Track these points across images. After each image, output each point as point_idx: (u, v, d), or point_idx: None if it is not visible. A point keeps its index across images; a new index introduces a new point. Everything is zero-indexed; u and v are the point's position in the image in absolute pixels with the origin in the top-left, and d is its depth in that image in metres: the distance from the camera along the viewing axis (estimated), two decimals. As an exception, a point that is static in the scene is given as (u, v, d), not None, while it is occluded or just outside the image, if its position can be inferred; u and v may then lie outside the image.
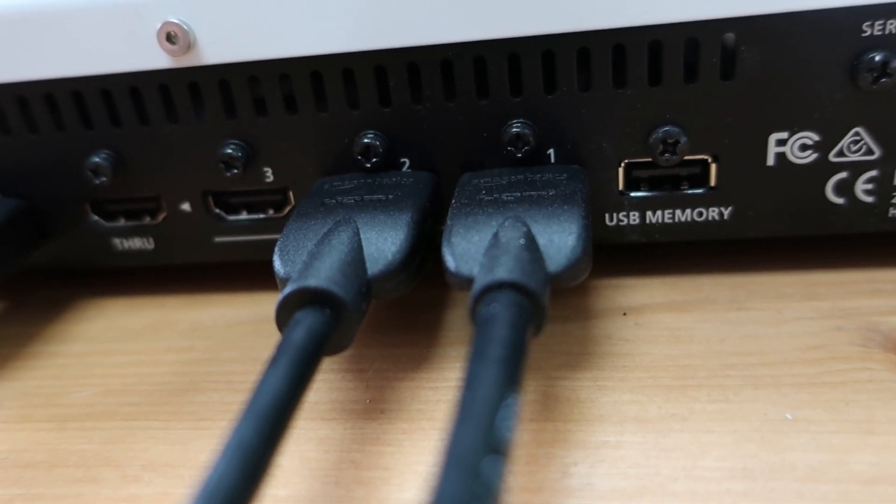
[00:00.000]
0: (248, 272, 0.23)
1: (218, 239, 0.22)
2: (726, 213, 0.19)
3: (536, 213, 0.16)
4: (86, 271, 0.24)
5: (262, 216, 0.21)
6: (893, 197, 0.19)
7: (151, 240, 0.22)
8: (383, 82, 0.19)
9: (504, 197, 0.17)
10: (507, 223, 0.16)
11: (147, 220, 0.22)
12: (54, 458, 0.17)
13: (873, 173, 0.18)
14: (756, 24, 0.17)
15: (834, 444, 0.14)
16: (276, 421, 0.12)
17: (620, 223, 0.20)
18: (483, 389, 0.11)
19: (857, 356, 0.17)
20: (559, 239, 0.16)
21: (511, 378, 0.12)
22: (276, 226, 0.21)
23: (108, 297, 0.24)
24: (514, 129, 0.19)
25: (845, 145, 0.18)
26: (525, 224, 0.16)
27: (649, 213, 0.20)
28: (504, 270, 0.14)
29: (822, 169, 0.18)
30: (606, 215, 0.20)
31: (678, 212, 0.19)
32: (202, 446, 0.17)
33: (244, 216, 0.21)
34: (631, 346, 0.18)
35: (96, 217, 0.22)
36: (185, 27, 0.18)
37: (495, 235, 0.16)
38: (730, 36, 0.17)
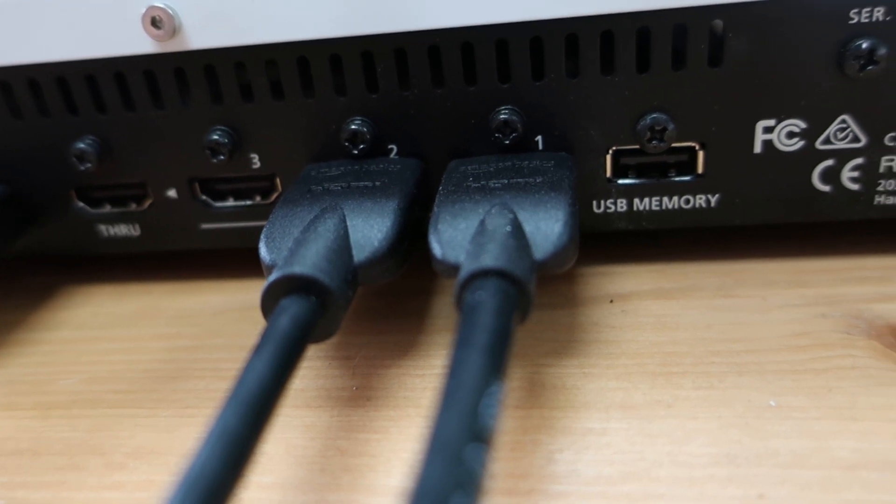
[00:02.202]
0: (235, 259, 0.23)
1: (204, 226, 0.21)
2: (713, 200, 0.19)
3: (523, 200, 0.16)
4: (72, 258, 0.24)
5: (248, 203, 0.21)
6: (879, 184, 0.19)
7: (137, 226, 0.22)
8: (370, 68, 0.19)
9: (491, 184, 0.17)
10: (493, 210, 0.16)
11: (133, 206, 0.22)
12: (39, 446, 0.17)
13: (859, 161, 0.18)
14: (744, 10, 0.17)
15: (817, 431, 0.15)
16: (259, 408, 0.12)
17: (608, 210, 0.20)
18: (467, 377, 0.11)
19: (841, 343, 0.17)
20: (546, 226, 0.16)
21: (495, 366, 0.12)
22: (263, 212, 0.21)
23: (95, 283, 0.24)
24: (502, 116, 0.19)
25: (832, 133, 0.18)
26: (512, 211, 0.16)
27: (637, 201, 0.20)
28: (490, 258, 0.14)
29: (809, 156, 0.18)
30: (594, 202, 0.20)
31: (665, 199, 0.19)
32: (188, 434, 0.17)
33: (231, 203, 0.21)
34: (617, 333, 0.18)
35: (81, 203, 0.22)
36: (171, 12, 0.18)
37: (482, 223, 0.16)
38: (718, 23, 0.17)
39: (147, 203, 0.21)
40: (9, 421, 0.18)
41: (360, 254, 0.16)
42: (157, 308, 0.22)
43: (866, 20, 0.17)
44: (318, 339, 0.15)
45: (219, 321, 0.21)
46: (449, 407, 0.11)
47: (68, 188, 0.21)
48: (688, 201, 0.19)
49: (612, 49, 0.18)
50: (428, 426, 0.11)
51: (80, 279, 0.24)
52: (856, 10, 0.17)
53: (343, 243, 0.16)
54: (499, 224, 0.15)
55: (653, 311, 0.19)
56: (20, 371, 0.20)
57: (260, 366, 0.13)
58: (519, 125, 0.19)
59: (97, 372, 0.19)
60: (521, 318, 0.14)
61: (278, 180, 0.21)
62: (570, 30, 0.18)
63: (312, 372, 0.18)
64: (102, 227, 0.22)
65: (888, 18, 0.17)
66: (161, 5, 0.18)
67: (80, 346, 0.21)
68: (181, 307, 0.22)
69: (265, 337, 0.13)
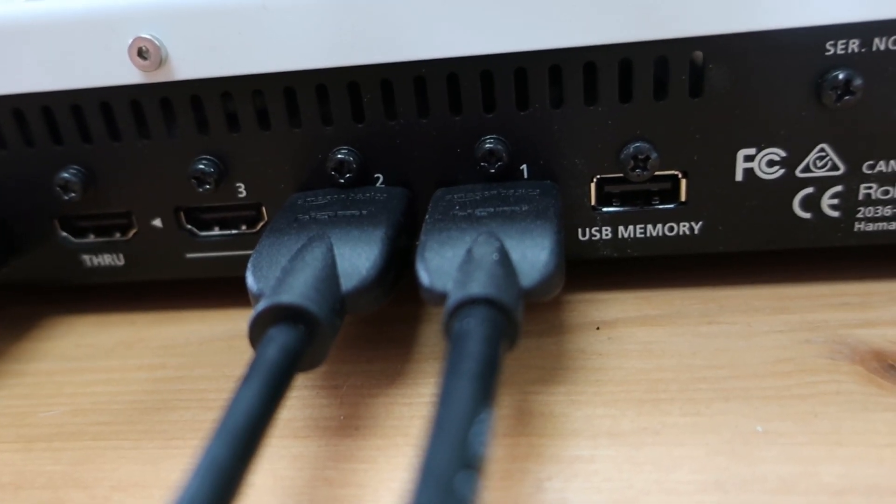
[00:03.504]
0: (221, 288, 0.23)
1: (190, 255, 0.21)
2: (696, 227, 0.20)
3: (510, 228, 0.16)
4: (55, 288, 0.24)
5: (234, 232, 0.21)
6: (858, 212, 0.19)
7: (121, 256, 0.22)
8: (357, 98, 0.19)
9: (477, 212, 0.17)
10: (480, 239, 0.16)
11: (117, 236, 0.21)
12: (20, 480, 0.16)
13: (838, 188, 0.19)
14: (723, 42, 0.17)
15: (804, 456, 0.15)
16: (248, 439, 0.12)
17: (593, 238, 0.20)
18: (457, 405, 0.11)
19: (826, 369, 0.17)
20: (532, 254, 0.16)
21: (485, 393, 0.12)
22: (249, 242, 0.21)
23: (78, 314, 0.23)
24: (488, 145, 0.19)
25: (811, 161, 0.18)
26: (498, 239, 0.16)
27: (621, 228, 0.20)
28: (478, 286, 0.14)
29: (789, 184, 0.19)
30: (579, 230, 0.20)
31: (649, 227, 0.20)
32: (173, 466, 0.16)
33: (216, 232, 0.21)
34: (604, 361, 0.18)
35: (65, 233, 0.22)
36: (157, 42, 0.18)
37: (469, 251, 0.16)
38: (698, 54, 0.18)
39: (132, 233, 0.21)
40: (-11, 454, 0.17)
41: (347, 282, 0.16)
42: (141, 338, 0.22)
43: (842, 51, 0.17)
44: (305, 368, 0.15)
45: (204, 351, 0.21)
46: (439, 435, 0.11)
47: (52, 218, 0.21)
48: (671, 229, 0.20)
49: (595, 80, 0.18)
50: (418, 454, 0.11)
51: (63, 309, 0.24)
52: (832, 42, 0.17)
53: (331, 272, 0.16)
54: (486, 252, 0.16)
55: (639, 338, 0.19)
56: (2, 403, 0.19)
57: (248, 396, 0.13)
58: (504, 154, 0.19)
59: (80, 404, 0.19)
60: (510, 345, 0.14)
61: (264, 209, 0.21)
62: (553, 61, 0.18)
63: (300, 401, 0.18)
64: (86, 257, 0.22)
65: (863, 50, 0.17)
66: (148, 36, 0.18)
67: (62, 377, 0.20)
68: (165, 337, 0.22)
69: (253, 367, 0.13)
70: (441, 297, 0.15)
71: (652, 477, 0.15)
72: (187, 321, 0.22)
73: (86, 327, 0.23)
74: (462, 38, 0.18)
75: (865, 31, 0.17)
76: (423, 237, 0.17)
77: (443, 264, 0.16)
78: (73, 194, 0.20)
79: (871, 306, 0.19)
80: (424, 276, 0.16)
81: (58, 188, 0.20)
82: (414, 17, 0.17)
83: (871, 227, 0.19)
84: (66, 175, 0.20)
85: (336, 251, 0.17)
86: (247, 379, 0.13)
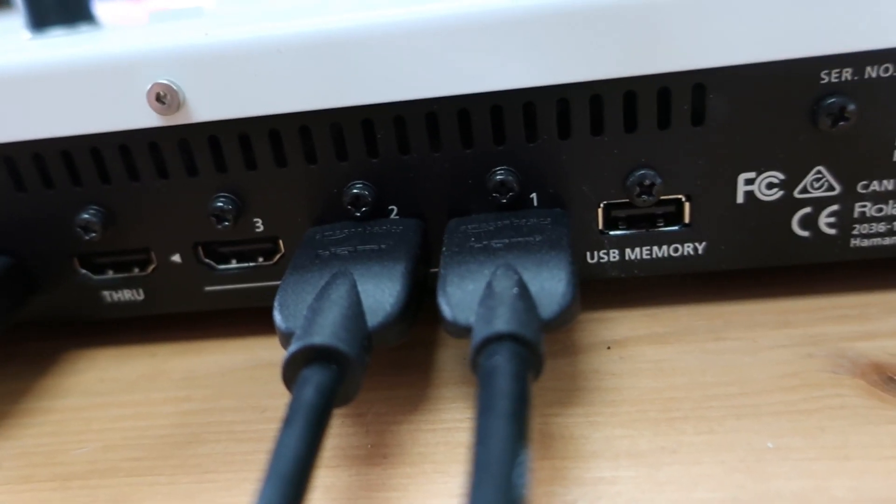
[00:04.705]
0: (240, 318, 0.23)
1: (208, 288, 0.22)
2: (700, 248, 0.20)
3: (526, 259, 0.17)
4: (73, 323, 0.24)
5: (252, 264, 0.22)
6: (854, 229, 0.20)
7: (141, 291, 0.22)
8: (371, 135, 0.19)
9: (493, 244, 0.18)
10: (499, 272, 0.17)
11: (136, 271, 0.22)
12: (61, 519, 0.17)
13: (835, 208, 0.20)
14: (723, 73, 0.18)
15: (814, 471, 0.15)
16: (297, 481, 0.13)
17: (601, 260, 0.21)
18: (496, 446, 0.12)
19: (829, 383, 0.18)
20: (550, 286, 0.16)
21: (521, 432, 0.12)
22: (267, 273, 0.21)
23: (98, 347, 0.24)
24: (499, 177, 0.19)
25: (808, 183, 0.19)
26: (517, 272, 0.17)
27: (628, 251, 0.21)
28: (502, 322, 0.15)
29: (788, 205, 0.20)
30: (588, 254, 0.21)
31: (655, 248, 0.20)
32: (209, 499, 0.17)
33: (234, 265, 0.22)
34: (618, 380, 0.19)
35: (84, 271, 0.22)
36: (175, 87, 0.19)
37: (489, 284, 0.16)
38: (699, 85, 0.18)
39: (151, 268, 0.22)
40: (29, 493, 0.18)
41: (373, 319, 0.17)
42: (164, 370, 0.22)
43: (836, 80, 0.18)
44: (339, 404, 0.16)
45: (227, 382, 0.21)
46: (483, 478, 0.11)
47: (71, 256, 0.22)
48: (676, 250, 0.20)
49: (601, 111, 0.19)
50: (463, 496, 0.11)
51: (82, 343, 0.24)
52: (826, 71, 0.18)
53: (357, 310, 0.17)
54: (506, 286, 0.16)
55: (649, 357, 0.20)
56: (32, 441, 0.20)
57: (293, 438, 0.13)
58: (515, 184, 0.19)
59: (111, 439, 0.19)
60: (534, 376, 0.15)
61: (281, 242, 0.21)
62: (560, 95, 0.18)
63: (328, 431, 0.18)
64: (106, 293, 0.22)
65: (856, 78, 0.18)
66: (165, 81, 0.19)
67: (89, 413, 0.21)
68: (187, 368, 0.22)
69: (293, 409, 0.14)
70: (465, 331, 0.16)
71: (674, 496, 0.15)
72: (207, 351, 0.23)
73: (107, 361, 0.23)
74: (472, 76, 0.18)
75: (857, 60, 0.18)
76: (442, 270, 0.17)
77: (464, 298, 0.16)
78: (94, 234, 0.21)
79: (869, 318, 0.20)
80: (447, 311, 0.16)
81: (78, 229, 0.21)
82: (424, 56, 0.18)
83: (866, 242, 0.20)
84: (86, 216, 0.21)
85: (360, 287, 0.17)
86: (289, 421, 0.14)
